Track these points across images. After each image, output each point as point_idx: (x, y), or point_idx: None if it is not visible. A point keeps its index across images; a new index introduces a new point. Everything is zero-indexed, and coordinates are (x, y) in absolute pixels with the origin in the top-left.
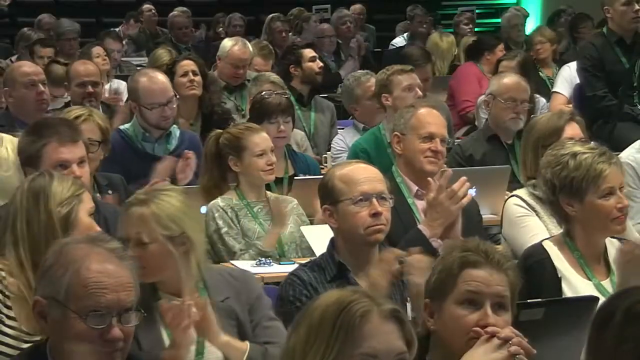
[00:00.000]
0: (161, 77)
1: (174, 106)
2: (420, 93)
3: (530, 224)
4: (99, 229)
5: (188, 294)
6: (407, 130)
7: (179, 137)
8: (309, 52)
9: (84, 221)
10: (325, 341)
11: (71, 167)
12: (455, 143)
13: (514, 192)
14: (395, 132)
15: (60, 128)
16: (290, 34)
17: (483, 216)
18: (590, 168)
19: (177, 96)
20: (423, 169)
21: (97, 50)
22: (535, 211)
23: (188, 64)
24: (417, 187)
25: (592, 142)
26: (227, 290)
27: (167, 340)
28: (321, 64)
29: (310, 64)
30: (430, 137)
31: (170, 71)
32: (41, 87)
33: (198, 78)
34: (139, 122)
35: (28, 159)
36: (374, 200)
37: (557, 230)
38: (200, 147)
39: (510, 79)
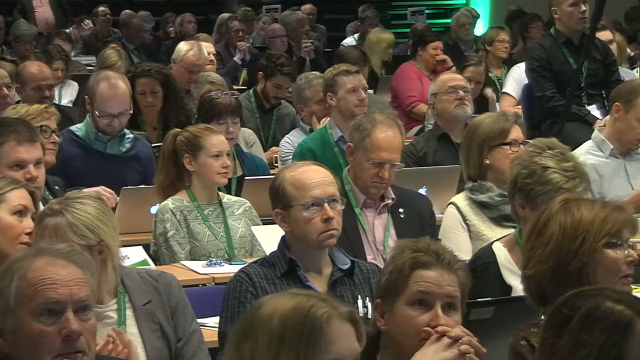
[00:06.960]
0: (121, 86)
1: (125, 119)
2: (364, 95)
3: (456, 240)
4: (27, 227)
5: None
6: (360, 148)
7: (132, 141)
8: (282, 81)
9: (4, 220)
10: (294, 350)
11: (28, 168)
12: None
13: (452, 199)
14: (349, 143)
15: (19, 127)
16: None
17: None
18: (553, 189)
19: (131, 110)
20: (367, 190)
21: (57, 64)
22: (468, 221)
23: (145, 84)
24: (364, 197)
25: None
26: (148, 292)
27: None
28: (284, 97)
29: (276, 90)
30: (379, 164)
31: (130, 82)
32: None
33: (157, 95)
34: (91, 121)
35: None
36: (326, 205)
37: (494, 235)
38: (152, 154)
39: (445, 75)
